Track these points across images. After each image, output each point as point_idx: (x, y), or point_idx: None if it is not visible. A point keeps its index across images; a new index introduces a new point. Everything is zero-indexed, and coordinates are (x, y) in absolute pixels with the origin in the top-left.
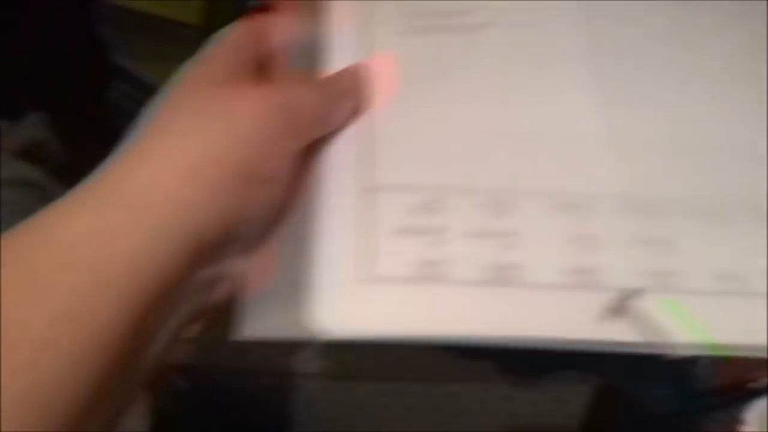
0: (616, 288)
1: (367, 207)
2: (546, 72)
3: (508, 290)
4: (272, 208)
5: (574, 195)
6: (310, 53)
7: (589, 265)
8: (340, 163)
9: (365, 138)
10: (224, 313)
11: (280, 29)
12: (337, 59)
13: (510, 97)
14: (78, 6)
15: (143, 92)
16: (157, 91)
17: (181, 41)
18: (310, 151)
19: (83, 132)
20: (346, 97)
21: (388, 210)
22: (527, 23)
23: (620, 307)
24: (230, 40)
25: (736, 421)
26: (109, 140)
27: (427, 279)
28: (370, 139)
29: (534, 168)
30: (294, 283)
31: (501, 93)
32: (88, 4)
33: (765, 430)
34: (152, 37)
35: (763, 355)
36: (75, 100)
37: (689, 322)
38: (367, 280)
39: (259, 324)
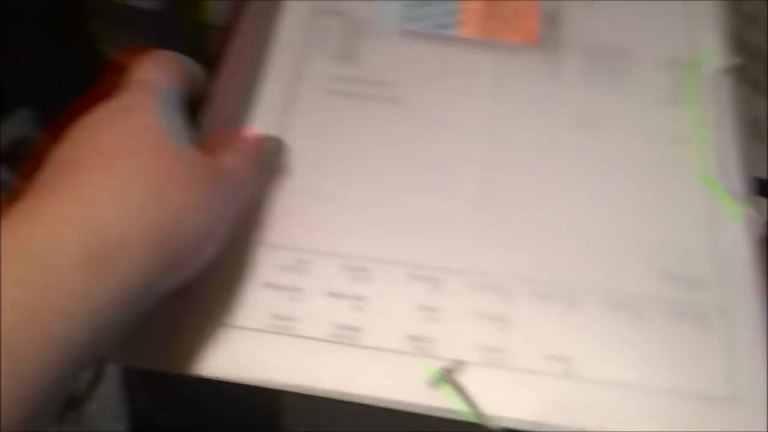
0: (447, 358)
1: (246, 259)
2: (437, 149)
3: (348, 349)
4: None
5: (429, 268)
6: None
7: (428, 334)
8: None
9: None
10: None
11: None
12: (263, 108)
13: (395, 169)
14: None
15: None
16: None
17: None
18: None
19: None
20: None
21: (263, 264)
22: (436, 104)
23: (445, 376)
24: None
25: None
26: None
27: (280, 332)
28: (267, 191)
29: (399, 239)
30: (170, 320)
31: (388, 164)
32: None
33: None
34: (141, 31)
35: None
36: (64, 95)
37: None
38: (232, 327)
39: (138, 353)
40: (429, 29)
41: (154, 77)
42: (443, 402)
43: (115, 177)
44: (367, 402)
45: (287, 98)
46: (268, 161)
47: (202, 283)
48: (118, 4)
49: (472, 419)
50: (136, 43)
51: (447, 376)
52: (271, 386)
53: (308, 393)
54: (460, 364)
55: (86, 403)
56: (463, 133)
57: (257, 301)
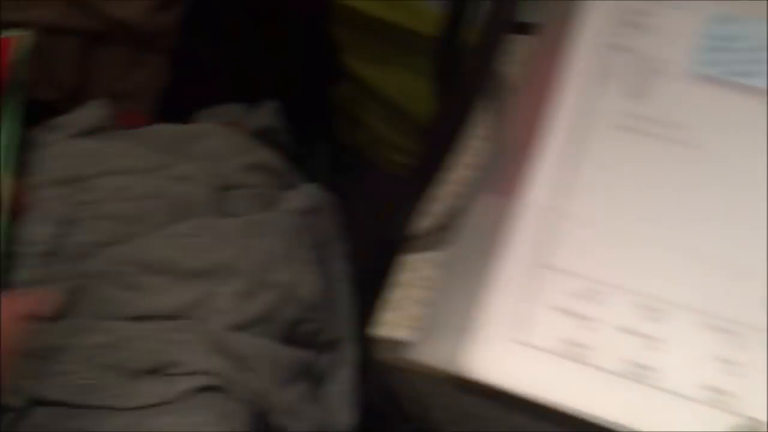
0: (746, 416)
1: (534, 280)
2: (733, 198)
3: (642, 388)
4: None
5: (728, 320)
6: None
7: (727, 388)
8: (520, 234)
9: (554, 215)
10: None
11: None
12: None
13: (689, 213)
14: (316, 5)
15: (364, 94)
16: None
17: (409, 50)
18: None
19: (308, 125)
20: None
21: (552, 288)
22: (731, 152)
23: None
24: None
25: None
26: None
27: (570, 357)
28: (558, 218)
29: (695, 285)
30: (458, 324)
31: (682, 207)
32: (324, 3)
33: None
34: (381, 42)
35: None
36: (305, 93)
37: None
38: (518, 342)
39: (420, 350)
40: (729, 76)
41: None
42: None
43: None
44: None
45: (577, 130)
46: None
47: (490, 296)
48: (362, 13)
49: None
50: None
51: None
52: (554, 408)
53: (593, 421)
54: (759, 423)
55: (327, 384)
56: (760, 185)
57: (546, 323)
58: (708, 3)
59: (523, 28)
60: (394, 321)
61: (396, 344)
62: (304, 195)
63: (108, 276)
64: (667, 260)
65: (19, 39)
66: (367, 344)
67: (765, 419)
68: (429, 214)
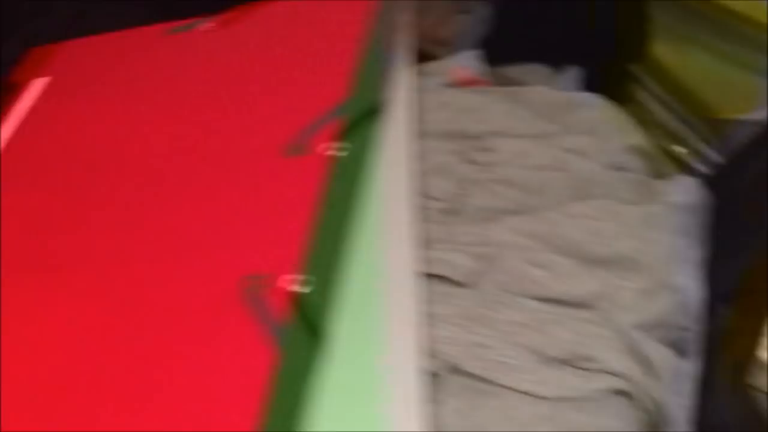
0: None
1: None
2: None
3: None
4: None
5: None
6: None
7: None
8: None
9: None
10: None
11: None
12: None
13: None
14: None
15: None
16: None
17: (729, 39)
18: None
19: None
20: None
21: None
22: None
23: None
24: None
25: None
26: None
27: None
28: None
29: None
30: None
31: None
32: None
33: None
34: (697, 25)
35: None
36: (604, 66)
37: None
38: None
39: None
40: None
41: None
42: None
43: None
44: None
45: None
46: None
47: None
48: None
49: None
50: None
51: None
52: None
53: None
54: None
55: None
56: None
57: None
58: None
59: None
60: None
61: None
62: (684, 188)
63: (514, 248)
64: None
65: None
66: (716, 361)
67: None
68: None
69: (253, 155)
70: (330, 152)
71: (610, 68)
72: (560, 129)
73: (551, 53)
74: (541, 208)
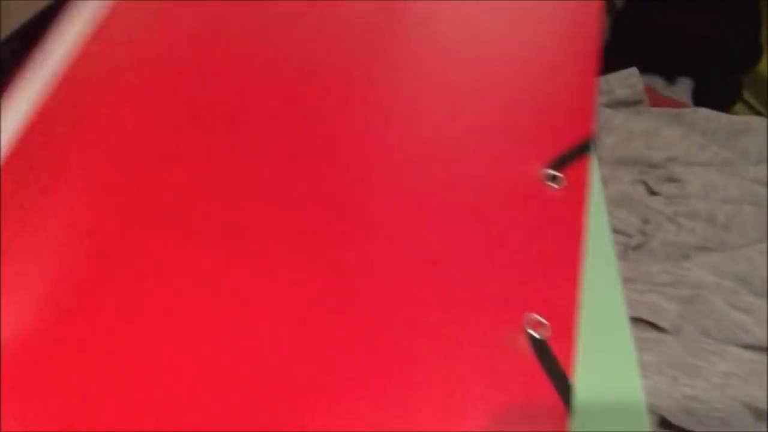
0: None
1: None
2: None
3: None
4: None
5: None
6: None
7: None
8: None
9: None
10: None
11: None
12: None
13: None
14: None
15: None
16: None
17: None
18: None
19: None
20: None
21: None
22: None
23: None
24: None
25: None
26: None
27: None
28: None
29: None
30: None
31: None
32: None
33: None
34: None
35: None
36: (715, 78)
37: None
38: None
39: None
40: None
41: None
42: None
43: None
44: None
45: None
46: None
47: None
48: None
49: None
50: None
51: None
52: None
53: None
54: None
55: None
56: None
57: None
58: None
59: None
60: None
61: None
62: None
63: (716, 290)
64: None
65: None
66: None
67: None
68: None
69: (514, 174)
70: (585, 185)
71: (720, 79)
72: (739, 157)
73: (663, 64)
74: (733, 244)
